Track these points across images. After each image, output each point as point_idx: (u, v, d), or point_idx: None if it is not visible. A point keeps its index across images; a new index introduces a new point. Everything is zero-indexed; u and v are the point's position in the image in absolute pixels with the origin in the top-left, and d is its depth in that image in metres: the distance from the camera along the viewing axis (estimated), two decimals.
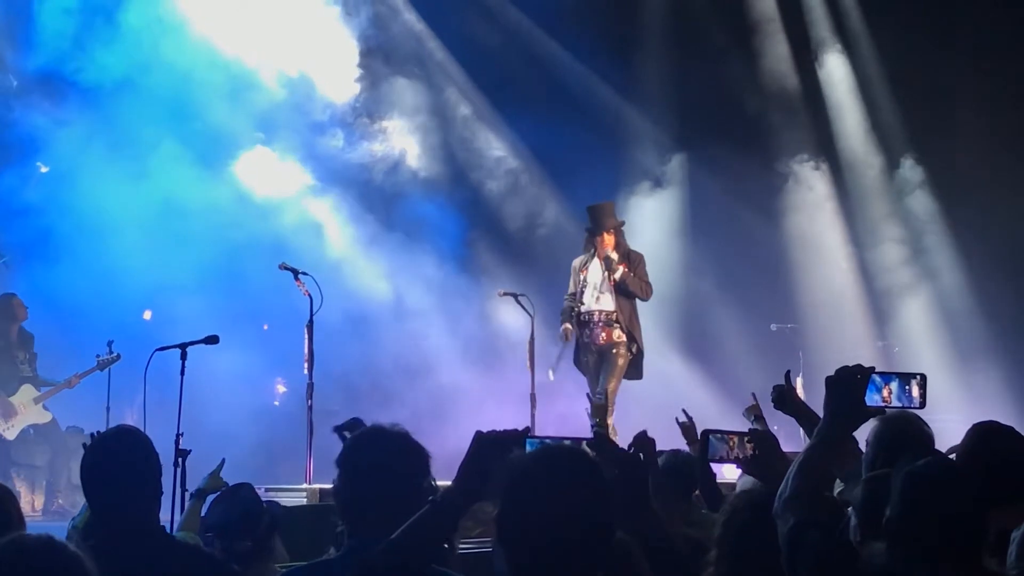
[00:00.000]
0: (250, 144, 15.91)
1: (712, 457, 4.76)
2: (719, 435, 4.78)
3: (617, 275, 12.35)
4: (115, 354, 13.33)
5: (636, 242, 16.82)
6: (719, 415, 15.27)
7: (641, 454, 4.30)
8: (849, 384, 3.83)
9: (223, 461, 6.59)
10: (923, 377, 4.09)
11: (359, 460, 3.82)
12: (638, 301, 12.56)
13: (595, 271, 12.45)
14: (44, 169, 15.37)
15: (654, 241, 16.86)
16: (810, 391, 15.99)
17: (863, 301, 17.55)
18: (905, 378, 4.07)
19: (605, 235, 12.42)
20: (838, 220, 17.68)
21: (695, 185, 17.26)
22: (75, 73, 15.20)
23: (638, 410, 15.43)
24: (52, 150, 15.38)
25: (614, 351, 12.35)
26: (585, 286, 12.40)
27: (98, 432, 4.93)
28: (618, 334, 12.38)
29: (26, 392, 13.36)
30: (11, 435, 13.19)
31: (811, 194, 17.56)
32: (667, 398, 16.10)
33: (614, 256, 12.40)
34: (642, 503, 3.84)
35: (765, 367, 16.74)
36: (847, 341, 17.00)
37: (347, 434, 4.36)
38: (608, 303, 12.39)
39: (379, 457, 3.80)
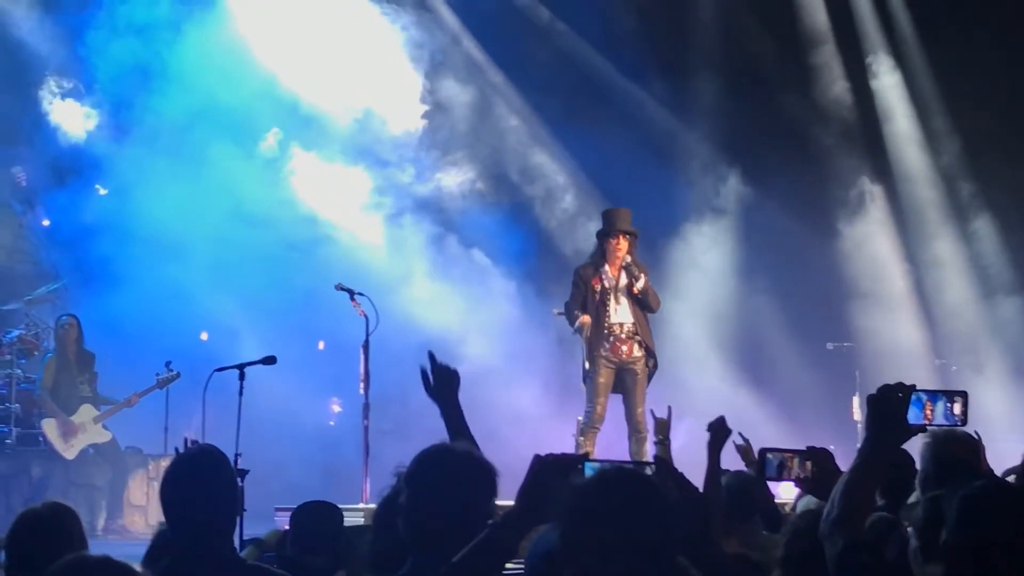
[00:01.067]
0: (312, 167, 15.99)
1: (770, 476, 4.73)
2: (776, 454, 4.75)
3: (640, 283, 11.87)
4: (174, 372, 13.43)
5: (694, 262, 16.82)
6: (776, 435, 15.23)
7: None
8: (890, 402, 3.80)
9: (287, 532, 6.51)
10: (965, 395, 4.06)
11: (426, 478, 3.78)
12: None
13: (609, 280, 11.93)
14: (103, 191, 15.51)
15: (710, 261, 16.82)
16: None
17: (920, 320, 17.40)
18: (947, 396, 4.04)
19: (621, 239, 11.92)
20: (894, 238, 17.54)
21: (750, 204, 17.18)
22: (139, 110, 15.38)
23: (692, 431, 15.39)
24: (111, 172, 15.53)
25: (635, 367, 11.90)
26: (603, 296, 11.88)
27: (177, 449, 4.96)
28: (638, 348, 11.94)
29: (86, 411, 13.46)
30: (71, 454, 13.29)
31: (867, 213, 17.45)
32: (726, 416, 16.08)
33: (631, 263, 11.96)
34: (702, 528, 3.82)
35: (821, 386, 16.69)
36: (904, 360, 16.86)
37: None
38: (627, 315, 11.88)
39: (446, 477, 3.76)
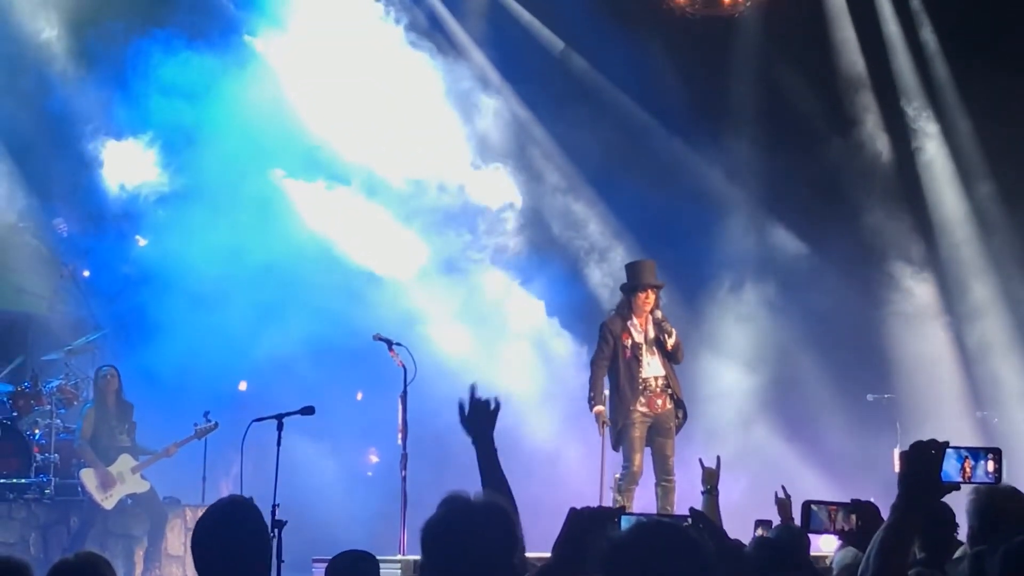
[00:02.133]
0: (350, 218, 16.08)
1: (814, 529, 4.69)
2: (821, 506, 4.71)
3: (673, 340, 11.88)
4: (212, 423, 13.46)
5: (736, 315, 16.76)
6: (817, 487, 15.14)
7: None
8: (924, 459, 3.75)
9: None
10: (998, 452, 4.00)
11: (441, 540, 3.72)
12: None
13: (639, 333, 11.92)
14: (142, 243, 15.62)
15: (750, 314, 16.77)
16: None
17: (960, 370, 17.28)
18: (981, 452, 3.99)
19: (649, 293, 11.93)
20: (933, 288, 17.45)
21: (790, 257, 17.13)
22: (180, 163, 15.54)
23: (734, 483, 15.34)
24: (151, 223, 15.65)
25: (667, 419, 11.85)
26: (635, 350, 11.87)
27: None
28: (670, 401, 11.90)
29: (124, 462, 13.49)
30: (109, 504, 13.31)
31: (908, 267, 17.37)
32: (763, 471, 15.99)
33: (663, 319, 11.98)
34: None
35: (862, 438, 16.58)
36: (945, 411, 16.75)
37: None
38: (659, 368, 11.86)
39: (467, 535, 3.69)
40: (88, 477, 13.32)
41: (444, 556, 3.68)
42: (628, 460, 11.76)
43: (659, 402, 11.86)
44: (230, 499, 4.88)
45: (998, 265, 17.40)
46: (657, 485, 11.84)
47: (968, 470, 3.92)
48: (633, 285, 12.00)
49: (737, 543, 4.10)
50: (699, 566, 3.09)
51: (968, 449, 3.92)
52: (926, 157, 17.69)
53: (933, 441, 3.77)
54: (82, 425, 13.55)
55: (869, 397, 16.48)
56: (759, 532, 7.32)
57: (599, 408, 11.90)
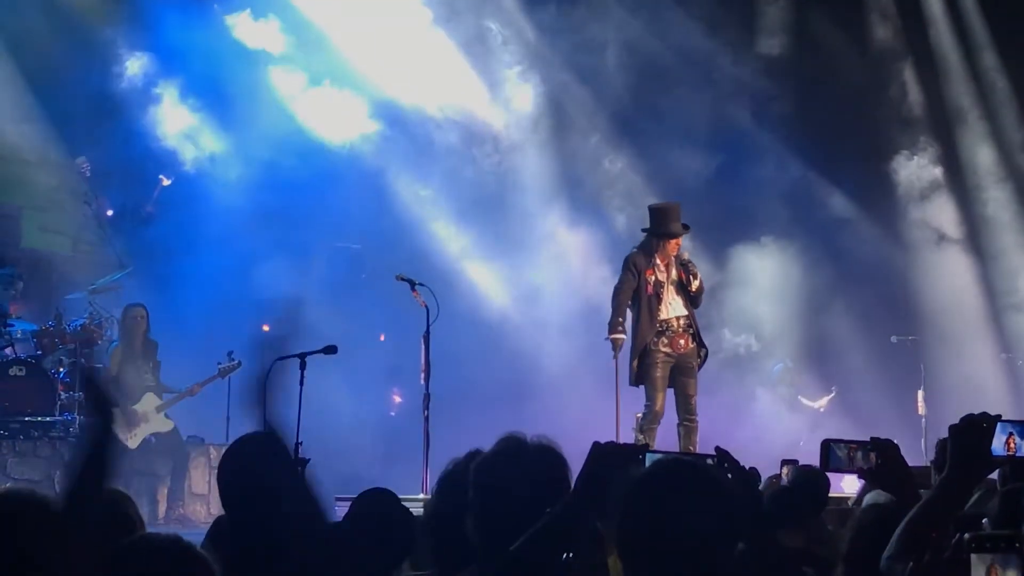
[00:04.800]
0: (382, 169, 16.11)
1: (833, 468, 4.67)
2: (840, 444, 4.69)
3: (698, 283, 11.88)
4: (236, 362, 13.49)
5: (762, 257, 16.69)
6: (839, 428, 15.12)
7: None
8: (975, 433, 3.67)
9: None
10: None
11: (501, 476, 3.71)
12: None
13: (660, 274, 11.84)
14: (167, 182, 15.61)
15: (773, 255, 16.69)
16: (931, 406, 15.75)
17: (986, 312, 17.19)
18: None
19: (679, 240, 11.93)
20: (959, 229, 17.34)
21: (817, 198, 17.03)
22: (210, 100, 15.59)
23: (762, 424, 15.36)
24: (176, 163, 15.64)
25: (691, 359, 11.84)
26: (657, 290, 11.80)
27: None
28: (692, 340, 11.88)
29: (149, 401, 13.55)
30: (134, 444, 13.37)
31: (930, 204, 17.25)
32: (789, 413, 16.01)
33: (689, 260, 11.98)
34: (759, 519, 3.73)
35: (886, 380, 16.55)
36: (969, 353, 16.70)
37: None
38: (681, 309, 11.81)
39: (521, 475, 3.68)
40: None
41: (495, 494, 3.68)
42: (651, 400, 11.74)
43: (681, 342, 11.83)
44: (255, 432, 4.89)
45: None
46: (679, 425, 11.84)
47: (1012, 445, 3.84)
48: (660, 230, 11.91)
49: (759, 481, 4.06)
50: (718, 503, 3.08)
51: (1013, 423, 3.85)
52: (957, 104, 17.50)
53: (984, 415, 3.70)
54: (108, 363, 13.60)
55: (893, 339, 16.44)
56: (784, 471, 7.34)
57: (618, 336, 11.86)
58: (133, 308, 13.86)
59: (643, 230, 12.18)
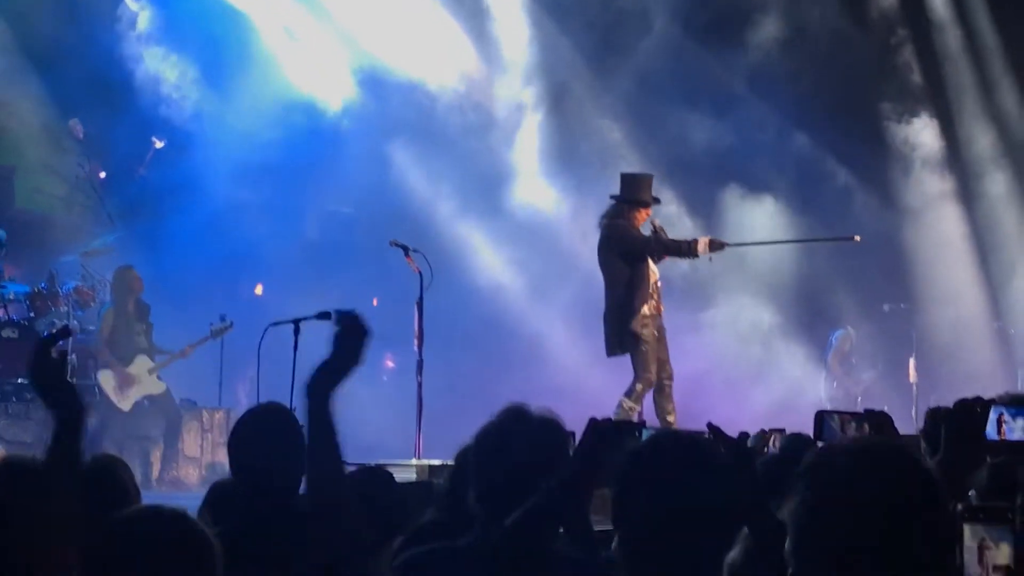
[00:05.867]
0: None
1: (826, 438, 4.68)
2: (833, 415, 4.70)
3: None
4: (228, 323, 13.49)
5: (754, 218, 16.67)
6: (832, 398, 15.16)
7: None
8: (969, 417, 3.66)
9: None
10: None
11: (503, 446, 3.71)
12: None
13: None
14: (159, 144, 15.57)
15: (760, 215, 16.67)
16: (923, 374, 15.79)
17: (978, 280, 17.20)
18: (1021, 410, 3.90)
19: (650, 209, 11.91)
20: (953, 196, 17.32)
21: (811, 162, 16.99)
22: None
23: (753, 392, 15.38)
24: (168, 126, 15.60)
25: (663, 321, 11.88)
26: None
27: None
28: (662, 303, 11.93)
29: (141, 363, 13.56)
30: (126, 406, 13.39)
31: (924, 169, 17.22)
32: (780, 382, 16.02)
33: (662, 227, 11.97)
34: (752, 490, 3.74)
35: (878, 348, 16.58)
36: (961, 322, 16.72)
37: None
38: (656, 271, 11.85)
39: (523, 444, 3.68)
40: (106, 378, 13.40)
41: (497, 465, 3.69)
42: (647, 370, 11.66)
43: (661, 306, 11.86)
44: (266, 405, 4.93)
45: (1018, 163, 17.25)
46: (659, 392, 11.81)
47: (1003, 427, 3.84)
48: (638, 200, 11.89)
49: (753, 456, 4.06)
50: (715, 477, 3.09)
51: (1007, 406, 3.84)
52: (951, 61, 17.45)
53: (979, 399, 3.69)
54: (100, 326, 13.61)
55: (885, 307, 16.46)
56: (773, 439, 7.33)
57: (703, 240, 11.85)
58: (126, 270, 13.85)
59: (616, 197, 12.03)
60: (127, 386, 13.40)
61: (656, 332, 11.79)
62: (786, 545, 2.33)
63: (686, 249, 11.82)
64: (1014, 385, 14.43)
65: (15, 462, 3.84)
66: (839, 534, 2.30)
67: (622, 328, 11.73)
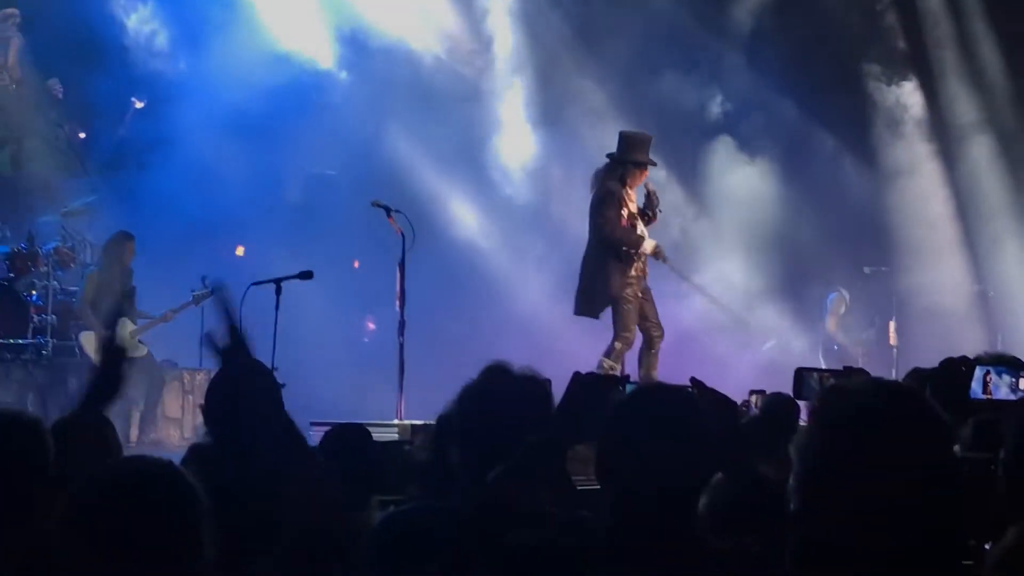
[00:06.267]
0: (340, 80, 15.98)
1: (805, 395, 4.71)
2: (812, 373, 4.72)
3: (657, 214, 12.09)
4: (209, 288, 13.48)
5: (730, 181, 16.68)
6: (813, 359, 15.21)
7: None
8: (954, 377, 3.67)
9: None
10: None
11: (486, 405, 3.72)
12: None
13: (632, 204, 11.90)
14: (139, 104, 15.49)
15: (746, 180, 16.67)
16: (903, 336, 15.86)
17: (959, 243, 17.22)
18: (1013, 369, 3.92)
19: (648, 170, 11.99)
20: (935, 160, 17.33)
21: (794, 126, 16.98)
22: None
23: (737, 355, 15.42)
24: (150, 85, 15.52)
25: (647, 282, 12.01)
26: (630, 220, 11.81)
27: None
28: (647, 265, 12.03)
29: (124, 327, 13.52)
30: None
31: (906, 133, 17.22)
32: (765, 343, 16.06)
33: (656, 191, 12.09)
34: (737, 445, 3.75)
35: (858, 310, 16.62)
36: (941, 284, 16.76)
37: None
38: (644, 234, 11.94)
39: (506, 403, 3.68)
40: (87, 341, 13.38)
41: (480, 422, 3.68)
42: (627, 330, 11.73)
43: (646, 268, 11.91)
44: (245, 361, 4.90)
45: (999, 125, 17.26)
46: (647, 351, 11.88)
47: (989, 386, 3.85)
48: (637, 160, 11.88)
49: (737, 410, 4.08)
50: (697, 430, 3.09)
51: (993, 365, 3.85)
52: (935, 33, 17.43)
53: (964, 359, 3.70)
54: (84, 288, 13.58)
55: (866, 270, 16.50)
56: (753, 399, 7.35)
57: (652, 244, 11.86)
58: (126, 239, 13.80)
59: (613, 156, 12.05)
60: None
61: (640, 293, 11.83)
62: (791, 481, 2.32)
63: (635, 243, 11.82)
64: (993, 348, 14.47)
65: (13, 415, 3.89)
66: (845, 470, 2.27)
67: (599, 288, 11.76)
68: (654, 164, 12.15)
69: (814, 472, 2.31)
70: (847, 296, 16.38)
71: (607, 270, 11.79)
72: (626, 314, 11.72)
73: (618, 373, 11.09)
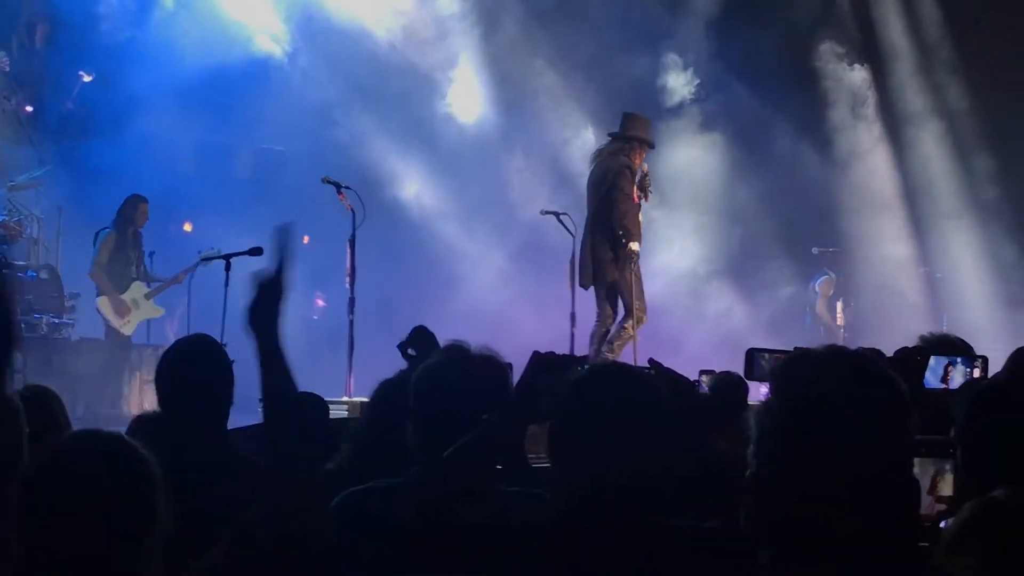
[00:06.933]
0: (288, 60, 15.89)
1: (756, 376, 4.73)
2: (764, 353, 4.75)
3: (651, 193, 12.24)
4: (217, 249, 13.35)
5: (685, 161, 16.71)
6: (761, 337, 15.27)
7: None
8: (908, 366, 3.70)
9: None
10: (986, 360, 3.98)
11: (443, 384, 3.69)
12: None
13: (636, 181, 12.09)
14: (87, 78, 15.35)
15: (701, 160, 16.71)
16: (851, 317, 15.97)
17: (906, 225, 17.37)
18: (969, 359, 3.96)
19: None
20: (884, 143, 17.46)
21: (744, 108, 17.03)
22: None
23: (685, 332, 15.47)
24: (97, 59, 15.38)
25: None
26: (639, 198, 12.04)
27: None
28: None
29: (137, 289, 13.71)
30: (128, 330, 13.66)
31: (858, 117, 17.32)
32: (712, 325, 16.13)
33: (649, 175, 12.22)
34: (696, 426, 3.76)
35: (806, 290, 16.73)
36: (889, 266, 16.89)
37: (412, 351, 4.26)
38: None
39: (464, 382, 3.67)
40: (104, 305, 13.56)
41: (436, 402, 3.67)
42: (630, 308, 11.84)
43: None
44: (195, 336, 4.89)
45: (948, 112, 17.37)
46: (629, 322, 11.96)
47: (948, 377, 3.89)
48: (644, 140, 12.10)
49: (696, 391, 4.10)
50: (652, 409, 3.09)
51: (950, 356, 3.89)
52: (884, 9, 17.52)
53: (918, 348, 3.73)
54: (98, 251, 13.56)
55: (814, 250, 16.60)
56: (704, 379, 7.39)
57: (637, 246, 11.94)
58: (141, 201, 13.82)
59: (617, 135, 12.18)
60: (124, 312, 13.55)
61: (637, 270, 11.95)
62: (750, 446, 2.32)
63: (631, 236, 11.88)
64: (939, 329, 14.60)
65: None
66: (801, 433, 2.26)
67: (608, 260, 11.82)
68: (654, 146, 12.36)
69: (772, 439, 2.31)
70: (835, 277, 16.47)
71: (615, 242, 11.86)
72: (631, 291, 11.81)
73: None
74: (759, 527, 2.26)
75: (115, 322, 13.50)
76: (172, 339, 13.85)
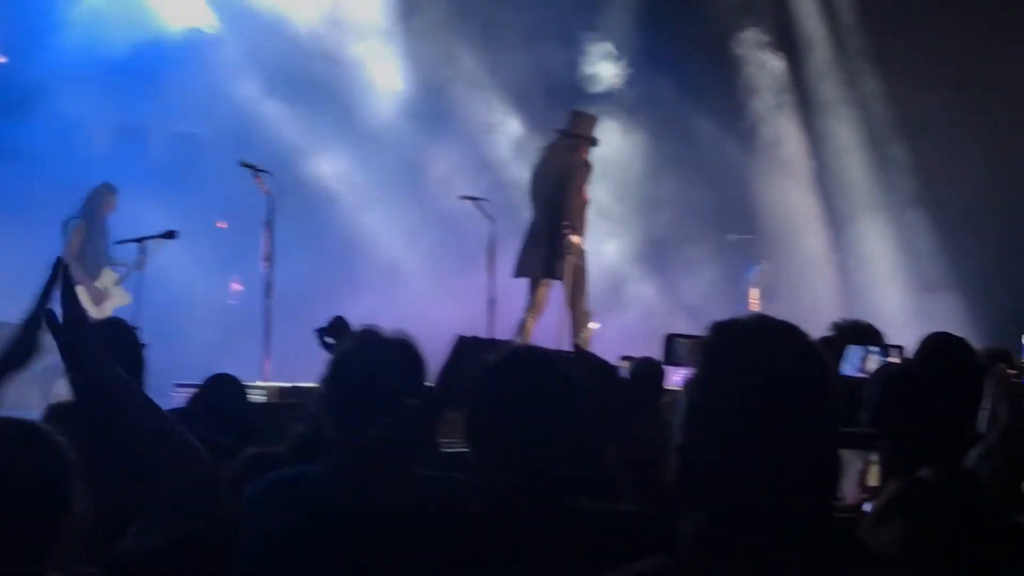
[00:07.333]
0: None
1: (674, 361, 4.77)
2: (682, 340, 4.78)
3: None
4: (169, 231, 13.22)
5: (603, 145, 16.71)
6: (676, 323, 15.34)
7: None
8: (828, 349, 3.75)
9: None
10: (901, 349, 4.06)
11: (357, 370, 3.68)
12: None
13: None
14: (2, 60, 15.13)
15: (618, 147, 16.75)
16: (766, 305, 16.10)
17: (821, 213, 17.53)
18: (886, 349, 4.04)
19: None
20: (801, 131, 17.59)
21: (657, 92, 17.07)
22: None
23: (606, 319, 15.50)
24: (9, 39, 15.17)
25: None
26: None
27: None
28: None
29: (107, 276, 13.61)
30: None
31: (774, 105, 17.44)
32: (628, 311, 16.20)
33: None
34: (622, 416, 3.74)
35: (722, 277, 16.85)
36: (804, 253, 17.05)
37: (329, 339, 4.25)
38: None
39: (379, 367, 3.66)
40: (81, 295, 13.18)
41: (352, 388, 3.65)
42: (581, 292, 12.00)
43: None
44: (106, 320, 4.85)
45: (863, 107, 17.54)
46: (580, 316, 12.11)
47: (867, 365, 3.97)
48: (593, 139, 12.49)
49: (621, 377, 4.10)
50: (569, 394, 3.10)
51: (873, 347, 3.97)
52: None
53: (835, 337, 3.79)
54: (69, 240, 13.36)
55: (731, 237, 16.71)
56: (623, 365, 7.43)
57: (579, 240, 12.08)
58: (110, 190, 13.72)
59: (566, 132, 12.42)
60: (101, 300, 13.45)
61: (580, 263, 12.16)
62: (677, 418, 2.34)
63: (575, 230, 12.10)
64: (850, 316, 14.75)
65: None
66: (726, 403, 2.28)
67: (553, 253, 11.89)
68: (598, 144, 12.63)
69: (699, 404, 2.33)
70: (772, 267, 16.57)
71: (562, 237, 11.98)
72: (582, 284, 12.02)
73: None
74: (684, 495, 2.28)
75: (94, 312, 13.26)
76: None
